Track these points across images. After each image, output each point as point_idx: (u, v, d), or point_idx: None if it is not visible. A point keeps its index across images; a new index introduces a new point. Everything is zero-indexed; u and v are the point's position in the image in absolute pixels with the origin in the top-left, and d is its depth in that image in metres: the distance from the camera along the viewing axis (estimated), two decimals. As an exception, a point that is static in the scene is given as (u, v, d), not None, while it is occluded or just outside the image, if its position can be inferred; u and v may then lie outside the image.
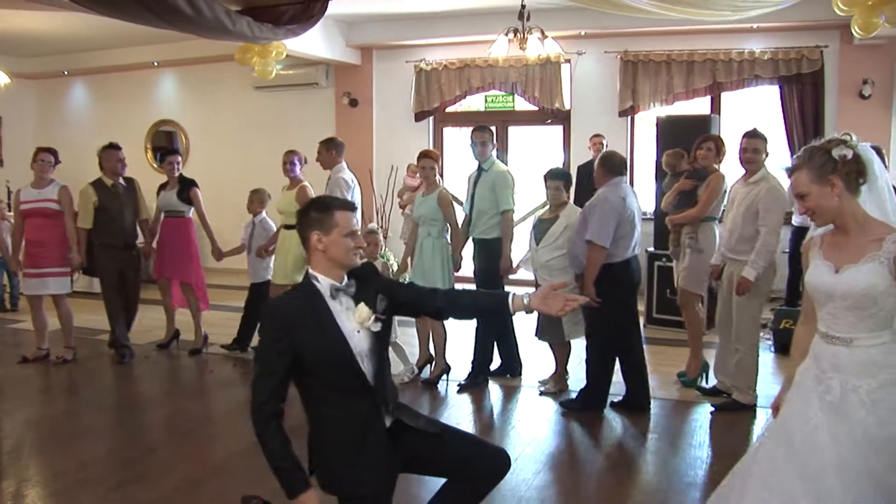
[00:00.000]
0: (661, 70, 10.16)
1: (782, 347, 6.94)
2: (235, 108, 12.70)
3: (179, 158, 8.04)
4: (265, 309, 3.34)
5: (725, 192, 6.30)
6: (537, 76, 10.73)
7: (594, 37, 10.33)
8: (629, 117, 10.53)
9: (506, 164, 8.35)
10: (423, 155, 6.73)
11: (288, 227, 7.16)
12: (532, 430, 5.61)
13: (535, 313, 4.64)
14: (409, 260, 6.95)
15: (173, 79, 13.49)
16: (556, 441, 5.53)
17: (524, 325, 6.68)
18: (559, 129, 11.09)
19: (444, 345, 6.74)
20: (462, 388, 6.52)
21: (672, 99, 10.15)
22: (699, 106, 10.26)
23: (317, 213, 3.23)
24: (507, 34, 8.20)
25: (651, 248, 8.43)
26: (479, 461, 3.39)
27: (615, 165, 5.84)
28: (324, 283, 3.20)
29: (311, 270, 3.26)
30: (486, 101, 11.71)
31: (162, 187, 7.90)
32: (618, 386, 6.08)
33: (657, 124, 8.75)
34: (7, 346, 7.25)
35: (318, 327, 3.14)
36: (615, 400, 6.08)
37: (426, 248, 6.55)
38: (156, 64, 12.98)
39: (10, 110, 13.48)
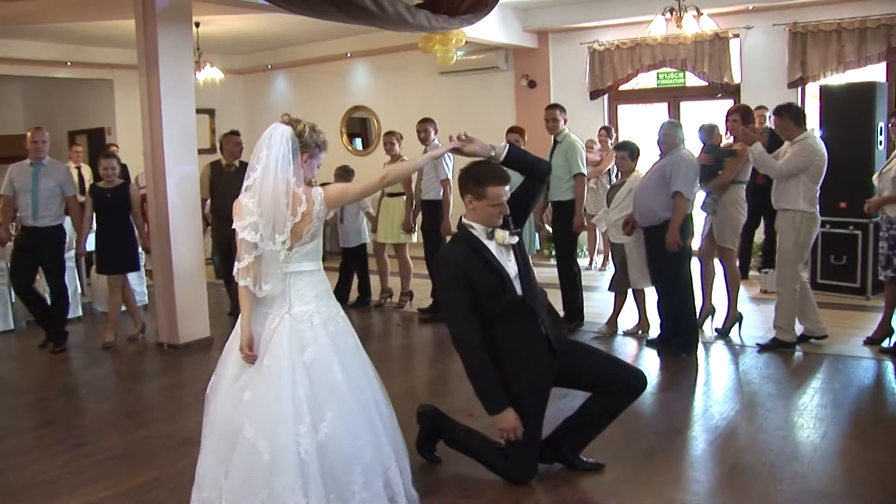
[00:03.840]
0: (830, 39, 9.94)
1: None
2: (423, 93, 13.16)
3: None
4: (436, 262, 4.18)
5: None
6: (706, 52, 10.78)
7: (762, 10, 10.32)
8: (799, 88, 10.39)
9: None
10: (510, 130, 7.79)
11: (391, 195, 8.28)
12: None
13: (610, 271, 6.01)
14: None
15: (365, 68, 14.27)
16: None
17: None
18: (730, 102, 10.88)
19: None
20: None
21: (843, 68, 9.92)
22: (873, 73, 9.85)
23: (472, 183, 3.92)
24: (663, 14, 8.63)
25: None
26: (618, 377, 4.05)
27: (683, 135, 6.59)
28: (479, 228, 3.96)
29: (465, 220, 4.02)
30: (657, 78, 11.83)
31: None
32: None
33: (820, 94, 8.71)
34: (220, 305, 8.71)
35: (485, 263, 3.88)
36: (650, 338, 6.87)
37: None
38: (349, 55, 13.76)
39: (223, 103, 14.55)
